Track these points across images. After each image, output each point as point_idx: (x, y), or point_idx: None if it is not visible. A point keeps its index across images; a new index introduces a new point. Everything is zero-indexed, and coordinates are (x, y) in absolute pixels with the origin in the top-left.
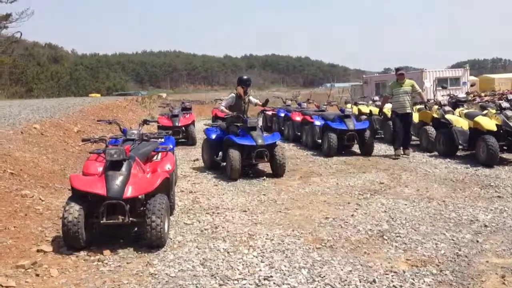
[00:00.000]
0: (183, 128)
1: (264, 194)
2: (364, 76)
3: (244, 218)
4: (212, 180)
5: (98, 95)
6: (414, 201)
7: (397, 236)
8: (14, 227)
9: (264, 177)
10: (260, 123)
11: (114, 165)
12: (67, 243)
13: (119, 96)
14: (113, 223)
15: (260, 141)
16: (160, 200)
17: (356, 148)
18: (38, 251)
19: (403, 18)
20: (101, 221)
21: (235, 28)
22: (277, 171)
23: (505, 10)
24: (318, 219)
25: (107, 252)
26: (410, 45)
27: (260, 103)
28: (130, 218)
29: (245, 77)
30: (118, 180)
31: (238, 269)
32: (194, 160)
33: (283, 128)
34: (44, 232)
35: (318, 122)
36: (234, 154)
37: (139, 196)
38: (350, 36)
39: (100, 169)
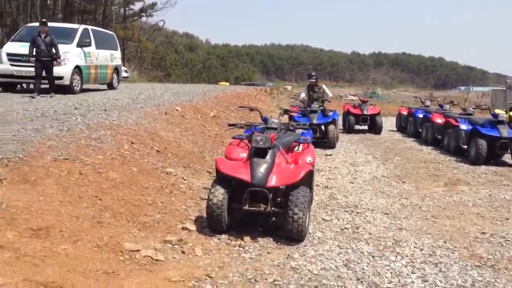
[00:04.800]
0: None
1: (406, 198)
2: (508, 80)
3: (387, 221)
4: (348, 177)
5: (227, 83)
6: None
7: None
8: (161, 202)
9: (404, 180)
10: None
11: (259, 153)
12: (210, 225)
13: (247, 85)
14: (255, 210)
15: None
16: (303, 193)
17: (507, 158)
18: (183, 228)
19: None
20: (244, 207)
21: (364, 24)
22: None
23: None
24: (473, 233)
25: (247, 238)
26: None
27: (329, 98)
28: (272, 208)
29: (310, 73)
30: (263, 168)
31: (387, 277)
32: (327, 155)
33: (420, 130)
34: (188, 211)
35: (464, 126)
36: None
37: (281, 187)
38: (492, 36)
39: (243, 155)
